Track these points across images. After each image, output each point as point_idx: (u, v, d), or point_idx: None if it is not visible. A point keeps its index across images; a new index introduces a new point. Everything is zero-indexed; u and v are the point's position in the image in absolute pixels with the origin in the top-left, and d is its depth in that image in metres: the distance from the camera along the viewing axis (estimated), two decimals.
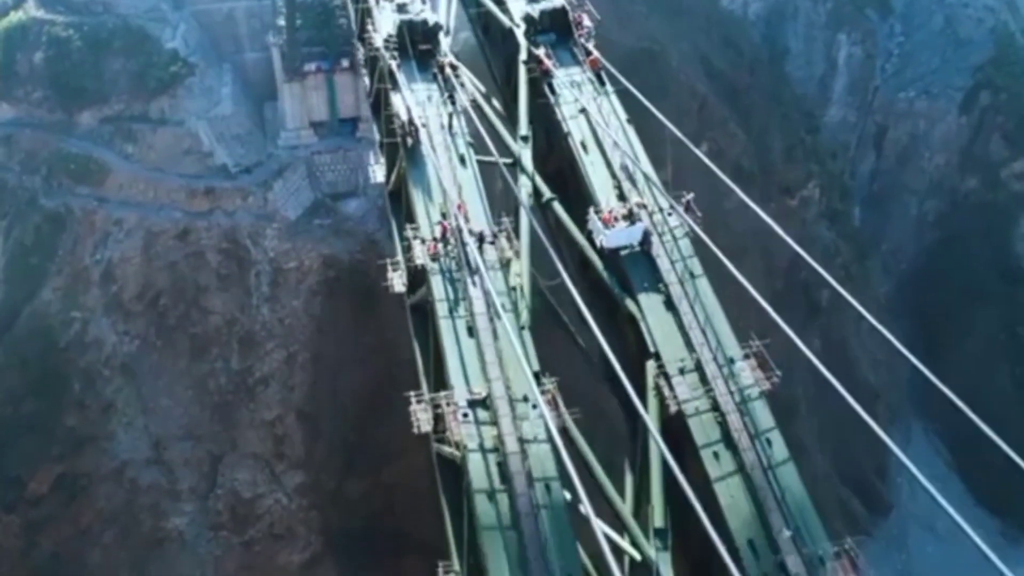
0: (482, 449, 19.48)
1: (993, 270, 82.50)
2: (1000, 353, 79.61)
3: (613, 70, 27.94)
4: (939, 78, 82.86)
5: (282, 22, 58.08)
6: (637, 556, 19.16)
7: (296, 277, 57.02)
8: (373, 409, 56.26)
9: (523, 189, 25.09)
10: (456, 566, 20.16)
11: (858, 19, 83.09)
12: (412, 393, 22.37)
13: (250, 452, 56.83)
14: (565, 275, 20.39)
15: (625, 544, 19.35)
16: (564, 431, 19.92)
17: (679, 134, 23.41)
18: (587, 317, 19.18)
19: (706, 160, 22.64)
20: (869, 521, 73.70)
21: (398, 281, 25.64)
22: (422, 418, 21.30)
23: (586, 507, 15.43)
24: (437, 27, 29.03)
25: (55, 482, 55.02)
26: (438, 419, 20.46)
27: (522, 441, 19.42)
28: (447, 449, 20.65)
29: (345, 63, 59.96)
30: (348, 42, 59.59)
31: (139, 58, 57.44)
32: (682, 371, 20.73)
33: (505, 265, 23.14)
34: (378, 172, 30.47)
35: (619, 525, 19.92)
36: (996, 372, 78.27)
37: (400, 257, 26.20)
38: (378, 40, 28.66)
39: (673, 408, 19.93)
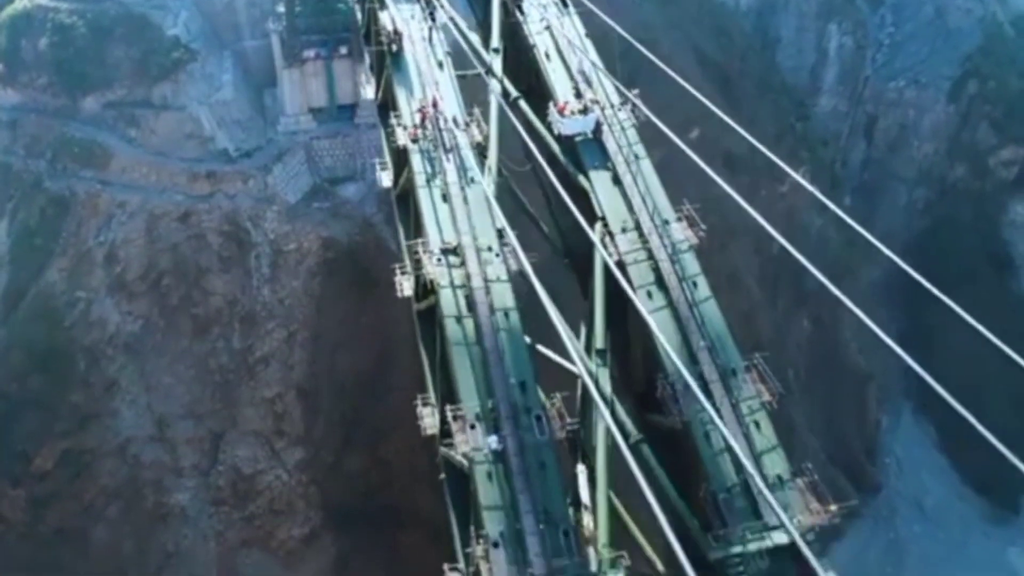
0: (452, 286, 23.33)
1: (982, 256, 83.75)
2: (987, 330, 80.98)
3: None
4: (928, 68, 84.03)
5: (282, 8, 59.24)
6: (581, 370, 21.43)
7: (295, 258, 58.28)
8: (371, 386, 57.64)
9: (493, 87, 29.18)
10: (432, 399, 23.97)
11: (849, 10, 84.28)
12: (396, 265, 26.28)
13: (251, 429, 58.11)
14: (534, 148, 24.12)
15: (580, 370, 22.02)
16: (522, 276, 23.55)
17: (637, 44, 26.87)
18: (549, 175, 23.33)
19: (681, 79, 25.07)
20: (858, 500, 75.01)
21: (386, 177, 30.09)
22: (405, 285, 25.57)
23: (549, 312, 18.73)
24: None
25: (60, 458, 56.29)
26: (417, 264, 24.34)
27: (486, 280, 23.30)
28: (424, 303, 24.90)
29: (343, 50, 61.11)
30: (347, 29, 61.08)
31: (141, 45, 58.64)
32: (624, 230, 25.07)
33: (476, 147, 27.23)
34: (369, 90, 34.59)
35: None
36: (985, 356, 79.43)
37: (385, 148, 30.72)
38: None
39: (615, 258, 23.77)
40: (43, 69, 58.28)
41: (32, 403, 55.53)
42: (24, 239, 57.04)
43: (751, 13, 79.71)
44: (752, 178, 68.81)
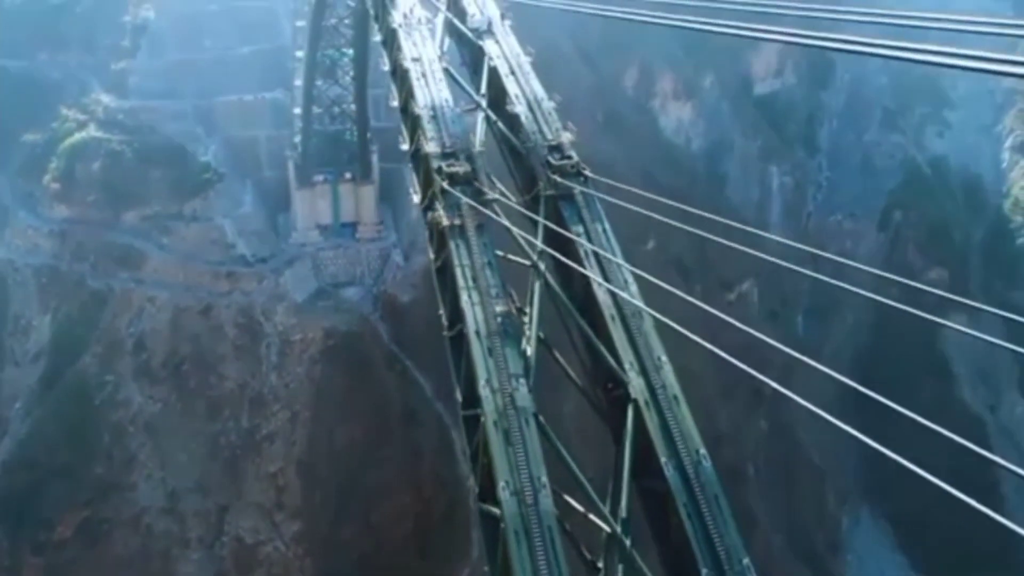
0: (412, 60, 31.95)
1: (922, 368, 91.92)
2: (932, 440, 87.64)
3: None
4: (860, 202, 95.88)
5: (298, 139, 70.37)
6: None
7: (300, 347, 66.18)
8: (364, 459, 64.02)
9: None
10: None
11: (787, 153, 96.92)
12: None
13: (254, 502, 63.86)
14: None
15: None
16: None
17: None
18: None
19: None
20: None
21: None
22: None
23: None
24: None
25: (79, 526, 61.70)
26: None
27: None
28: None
29: (348, 175, 72.10)
30: (351, 159, 72.24)
31: (177, 168, 69.18)
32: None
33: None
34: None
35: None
36: (930, 457, 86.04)
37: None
38: None
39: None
40: (93, 188, 68.32)
41: (60, 472, 61.61)
42: (65, 328, 65.05)
43: (701, 154, 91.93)
44: (703, 285, 78.25)
